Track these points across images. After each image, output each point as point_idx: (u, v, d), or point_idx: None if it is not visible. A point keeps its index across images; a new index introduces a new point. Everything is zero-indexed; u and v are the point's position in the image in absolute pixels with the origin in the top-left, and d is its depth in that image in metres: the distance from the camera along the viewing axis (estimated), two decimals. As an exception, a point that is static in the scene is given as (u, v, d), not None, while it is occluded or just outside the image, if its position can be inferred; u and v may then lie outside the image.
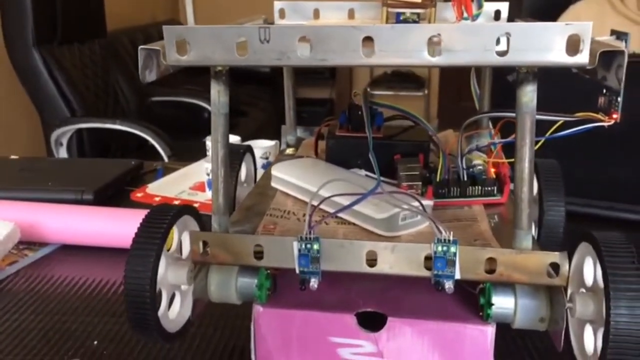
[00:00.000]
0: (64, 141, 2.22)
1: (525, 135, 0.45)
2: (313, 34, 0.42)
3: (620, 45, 0.44)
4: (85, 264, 0.86)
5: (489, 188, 0.60)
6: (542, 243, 0.65)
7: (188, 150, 1.65)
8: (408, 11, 0.67)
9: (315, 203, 0.51)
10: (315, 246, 0.46)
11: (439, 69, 4.18)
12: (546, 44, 0.40)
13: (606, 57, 0.41)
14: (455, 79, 4.02)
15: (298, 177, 0.61)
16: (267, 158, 1.21)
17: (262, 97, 3.79)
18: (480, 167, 0.61)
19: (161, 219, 0.50)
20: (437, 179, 0.60)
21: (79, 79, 2.33)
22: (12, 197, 0.98)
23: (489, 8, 0.74)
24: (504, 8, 0.74)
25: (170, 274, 0.53)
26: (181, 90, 2.86)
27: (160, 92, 2.77)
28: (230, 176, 0.58)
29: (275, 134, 1.07)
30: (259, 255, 0.48)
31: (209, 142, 1.25)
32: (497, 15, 0.74)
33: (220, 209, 0.50)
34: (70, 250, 0.89)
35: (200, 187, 1.14)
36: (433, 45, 0.42)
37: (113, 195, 1.09)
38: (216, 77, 0.48)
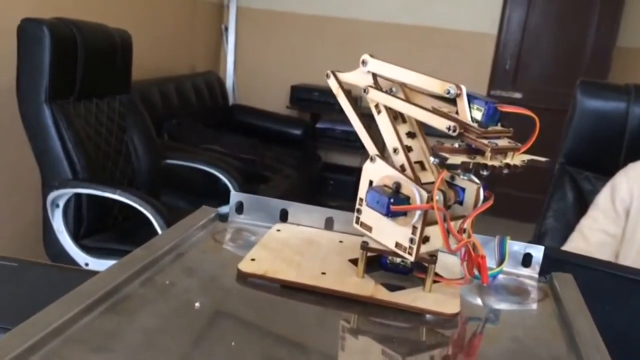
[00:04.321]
0: (61, 203, 2.08)
1: None
2: None
3: None
4: None
5: None
6: None
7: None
8: (398, 259, 0.48)
9: None
10: None
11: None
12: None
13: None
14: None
15: None
16: None
17: (289, 161, 3.63)
18: None
19: None
20: None
21: (90, 137, 2.21)
22: None
23: (518, 250, 0.53)
24: (538, 252, 0.53)
25: None
26: (198, 155, 2.72)
27: (176, 155, 2.64)
28: None
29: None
30: None
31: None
32: (526, 260, 0.54)
33: None
34: None
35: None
36: None
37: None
38: None
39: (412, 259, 0.45)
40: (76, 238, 2.13)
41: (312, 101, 3.74)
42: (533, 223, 1.81)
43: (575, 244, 1.40)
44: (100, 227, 2.22)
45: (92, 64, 2.22)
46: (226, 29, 3.94)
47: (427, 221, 0.44)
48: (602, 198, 1.36)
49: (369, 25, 3.88)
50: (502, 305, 0.49)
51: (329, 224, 0.57)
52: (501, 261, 0.50)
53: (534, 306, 0.49)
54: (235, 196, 0.57)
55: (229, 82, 4.01)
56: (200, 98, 3.52)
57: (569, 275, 0.51)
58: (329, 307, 0.45)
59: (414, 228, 0.44)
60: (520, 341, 0.45)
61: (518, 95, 4.15)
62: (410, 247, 0.44)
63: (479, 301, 0.50)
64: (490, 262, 0.51)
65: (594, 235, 1.38)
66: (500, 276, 0.53)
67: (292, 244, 0.52)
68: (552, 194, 1.83)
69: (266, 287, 0.46)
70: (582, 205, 1.64)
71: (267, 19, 3.93)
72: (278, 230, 0.55)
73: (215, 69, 4.01)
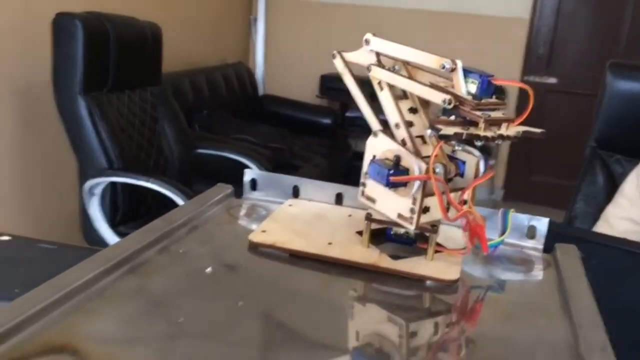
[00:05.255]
0: (97, 192, 2.16)
1: None
2: None
3: None
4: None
5: None
6: None
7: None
8: (402, 230, 0.50)
9: None
10: None
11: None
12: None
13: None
14: (528, 149, 3.75)
15: None
16: None
17: (319, 150, 3.66)
18: None
19: None
20: None
21: (123, 128, 2.28)
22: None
23: (523, 223, 0.55)
24: (542, 224, 0.55)
25: None
26: (228, 144, 2.77)
27: (206, 145, 2.69)
28: None
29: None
30: None
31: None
32: (531, 232, 0.55)
33: None
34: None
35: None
36: None
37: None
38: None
39: (412, 228, 0.47)
40: (112, 225, 2.20)
41: (342, 90, 3.70)
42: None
43: (601, 232, 1.38)
44: (135, 214, 2.29)
45: (124, 57, 2.28)
46: (255, 19, 3.98)
47: (427, 192, 0.46)
48: (628, 185, 1.35)
49: (398, 12, 3.86)
50: (504, 274, 0.51)
51: (339, 200, 0.59)
52: (503, 232, 0.51)
53: (535, 275, 0.51)
54: (249, 173, 0.60)
55: (258, 73, 4.06)
56: (230, 89, 3.57)
57: (572, 246, 0.53)
58: (333, 274, 0.48)
59: (414, 199, 0.46)
60: (517, 306, 0.46)
61: (552, 80, 4.07)
62: (411, 217, 0.46)
63: (481, 270, 0.51)
64: (496, 235, 0.52)
65: (620, 224, 1.36)
66: (505, 247, 0.54)
67: (302, 217, 0.55)
68: (582, 177, 1.81)
69: (275, 255, 0.49)
70: (613, 188, 1.62)
71: (296, 8, 3.96)
72: (290, 206, 0.58)
73: (245, 60, 4.05)
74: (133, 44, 2.36)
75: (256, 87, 3.88)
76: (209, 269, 0.45)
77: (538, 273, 0.51)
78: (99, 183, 2.17)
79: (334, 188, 0.59)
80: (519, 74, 3.91)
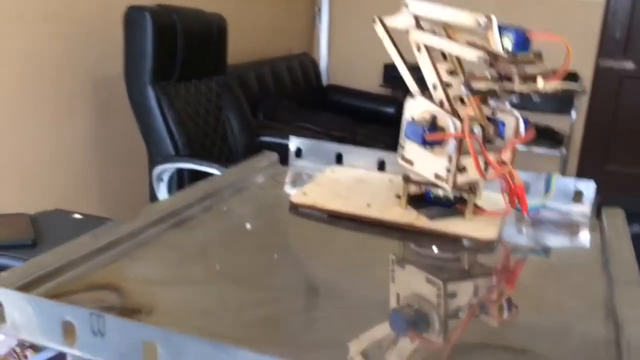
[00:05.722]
0: (165, 177, 2.25)
1: None
2: (161, 339, 0.28)
3: None
4: None
5: None
6: None
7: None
8: (441, 191, 0.50)
9: None
10: None
11: (583, 125, 3.77)
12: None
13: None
14: (603, 137, 3.58)
15: None
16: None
17: (381, 139, 3.64)
18: None
19: None
20: None
21: (189, 117, 2.36)
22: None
23: (569, 187, 0.54)
24: (589, 188, 0.53)
25: None
26: (290, 132, 2.81)
27: (269, 133, 2.74)
28: None
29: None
30: None
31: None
32: (577, 197, 0.54)
33: None
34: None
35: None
36: None
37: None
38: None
39: (448, 187, 0.47)
40: (179, 209, 2.29)
41: (405, 79, 3.68)
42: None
43: None
44: (201, 200, 2.37)
45: (191, 48, 2.36)
46: (319, 10, 4.00)
47: (464, 151, 0.46)
48: None
49: (464, -2, 3.77)
50: (547, 237, 0.50)
51: (381, 166, 0.60)
52: (546, 192, 0.50)
53: (579, 237, 0.50)
54: (294, 141, 0.61)
55: (323, 63, 4.08)
56: (294, 80, 3.62)
57: (619, 210, 0.51)
58: (370, 234, 0.49)
59: (450, 158, 0.46)
60: (557, 265, 0.46)
61: (631, 65, 3.86)
62: (447, 177, 0.47)
63: (525, 233, 0.51)
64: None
65: None
66: (550, 212, 0.53)
67: (344, 182, 0.56)
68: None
69: (315, 216, 0.50)
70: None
71: (359, -2, 3.95)
72: (332, 172, 0.59)
73: (310, 50, 4.08)
74: (199, 36, 2.44)
75: (320, 77, 3.91)
76: (248, 225, 0.47)
77: (582, 236, 0.50)
78: (167, 169, 2.25)
79: (376, 155, 0.60)
80: (594, 58, 3.73)
